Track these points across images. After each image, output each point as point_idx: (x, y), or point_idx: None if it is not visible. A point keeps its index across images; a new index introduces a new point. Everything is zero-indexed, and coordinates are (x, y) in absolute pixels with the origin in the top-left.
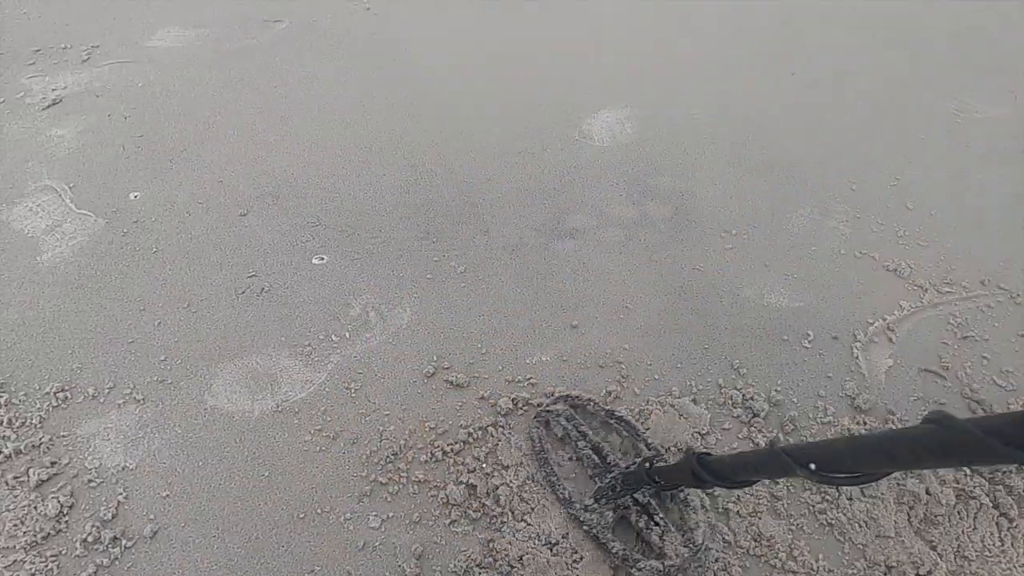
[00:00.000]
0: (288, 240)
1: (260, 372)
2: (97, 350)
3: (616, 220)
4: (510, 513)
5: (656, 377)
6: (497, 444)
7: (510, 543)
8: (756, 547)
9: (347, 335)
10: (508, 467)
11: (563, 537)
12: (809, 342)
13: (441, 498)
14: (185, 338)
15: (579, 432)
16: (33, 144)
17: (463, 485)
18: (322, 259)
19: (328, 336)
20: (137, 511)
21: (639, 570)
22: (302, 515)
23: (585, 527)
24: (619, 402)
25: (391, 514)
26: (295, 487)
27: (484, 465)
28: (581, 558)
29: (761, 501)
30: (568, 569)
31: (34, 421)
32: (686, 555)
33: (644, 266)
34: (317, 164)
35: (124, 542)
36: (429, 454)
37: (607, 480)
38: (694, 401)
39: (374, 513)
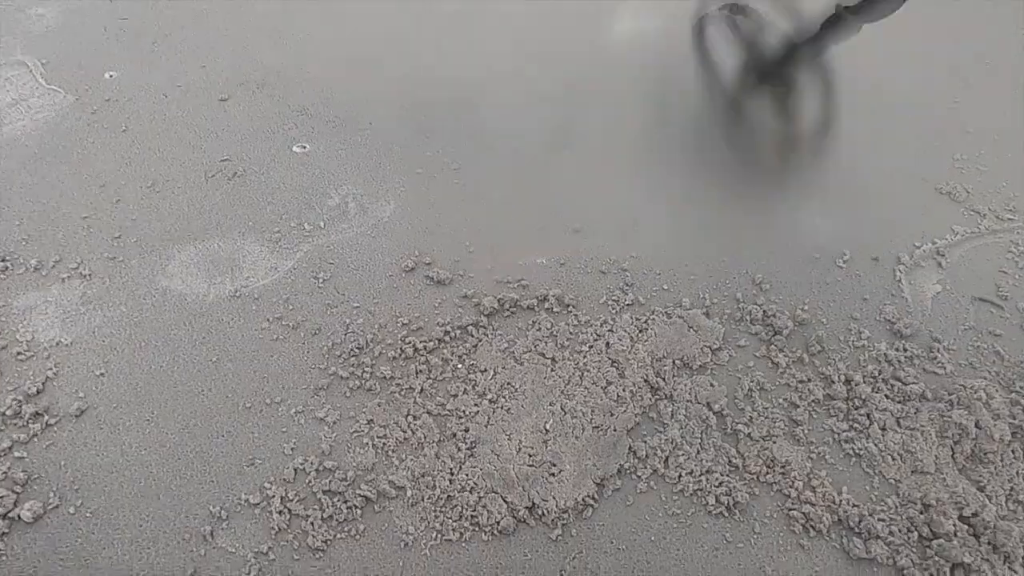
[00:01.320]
0: (269, 127)
1: (221, 256)
2: (47, 223)
3: (629, 127)
4: (483, 417)
5: (665, 287)
6: (477, 345)
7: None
8: (768, 473)
9: (321, 224)
10: (485, 370)
11: (543, 443)
12: (844, 262)
13: (404, 391)
14: (144, 217)
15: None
16: (11, 20)
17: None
18: (304, 147)
19: (300, 224)
20: (66, 388)
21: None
22: (248, 404)
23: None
24: (622, 310)
25: (346, 410)
26: (244, 375)
27: (459, 366)
28: (560, 470)
29: (777, 424)
30: (545, 480)
31: None
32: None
33: (657, 171)
34: (310, 56)
35: (46, 418)
36: (399, 350)
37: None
38: (706, 314)
39: (329, 406)
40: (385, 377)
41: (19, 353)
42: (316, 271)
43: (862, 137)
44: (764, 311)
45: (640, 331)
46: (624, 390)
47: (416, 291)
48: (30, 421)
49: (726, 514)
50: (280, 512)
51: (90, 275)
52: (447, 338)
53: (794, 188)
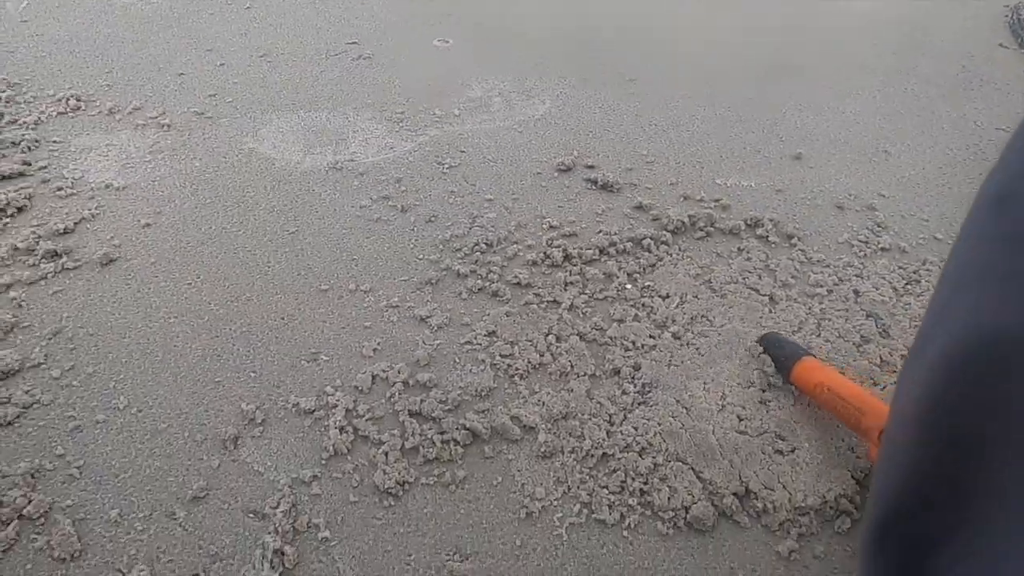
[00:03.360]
0: (409, 21)
1: (327, 128)
2: (138, 74)
3: (867, 67)
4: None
5: (938, 236)
6: (656, 264)
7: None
8: None
9: (456, 112)
10: (668, 296)
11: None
12: None
13: (545, 305)
14: (248, 82)
15: None
16: None
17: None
18: (446, 42)
19: (430, 109)
20: (100, 233)
21: None
22: (325, 287)
23: None
24: (874, 254)
25: (459, 314)
26: (327, 253)
27: (629, 286)
28: (793, 448)
29: None
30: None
31: (28, 120)
32: None
33: (911, 115)
34: None
35: (64, 260)
36: (543, 254)
37: None
38: None
39: (436, 305)
40: (520, 283)
41: (59, 188)
42: (441, 156)
43: None
44: None
45: (908, 283)
46: (892, 354)
47: (572, 193)
48: (43, 260)
49: None
50: (342, 429)
51: (169, 126)
52: (613, 250)
53: None
